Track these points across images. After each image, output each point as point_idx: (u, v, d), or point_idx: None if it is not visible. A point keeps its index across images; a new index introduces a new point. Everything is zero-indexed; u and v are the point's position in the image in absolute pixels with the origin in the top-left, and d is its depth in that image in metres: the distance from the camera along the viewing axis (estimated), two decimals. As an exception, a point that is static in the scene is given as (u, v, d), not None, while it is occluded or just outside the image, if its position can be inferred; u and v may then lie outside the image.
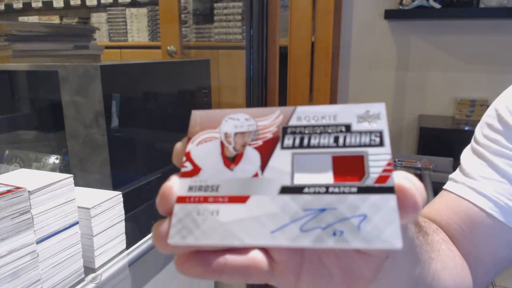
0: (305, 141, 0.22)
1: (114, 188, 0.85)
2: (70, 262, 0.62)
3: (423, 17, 2.03)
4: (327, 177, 0.21)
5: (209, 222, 0.21)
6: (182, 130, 1.11)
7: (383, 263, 0.25)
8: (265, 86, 1.65)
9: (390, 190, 0.20)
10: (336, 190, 0.21)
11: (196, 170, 0.23)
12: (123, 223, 0.72)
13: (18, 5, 3.10)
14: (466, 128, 1.93)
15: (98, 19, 2.89)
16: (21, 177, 0.59)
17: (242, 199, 0.21)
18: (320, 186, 0.21)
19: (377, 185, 0.20)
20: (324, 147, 0.22)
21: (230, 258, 0.21)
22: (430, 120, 2.10)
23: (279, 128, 0.23)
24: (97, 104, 0.82)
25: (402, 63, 2.17)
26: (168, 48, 2.26)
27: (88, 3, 2.86)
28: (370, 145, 0.22)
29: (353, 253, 0.24)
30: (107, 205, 0.68)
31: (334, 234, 0.20)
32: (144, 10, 2.73)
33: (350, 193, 0.21)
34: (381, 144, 0.22)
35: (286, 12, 2.19)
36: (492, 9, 1.89)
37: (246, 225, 0.21)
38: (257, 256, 0.22)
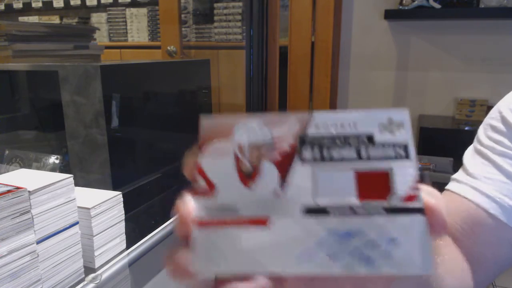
0: (326, 154, 0.21)
1: (114, 188, 0.85)
2: (70, 262, 0.62)
3: (423, 17, 2.03)
4: (351, 196, 0.20)
5: (231, 249, 0.20)
6: (182, 130, 1.11)
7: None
8: (265, 86, 1.64)
9: (419, 210, 0.19)
10: (362, 211, 0.20)
11: (211, 188, 0.22)
12: (123, 223, 0.72)
13: (18, 5, 3.10)
14: (466, 128, 1.93)
15: (98, 19, 2.89)
16: (21, 177, 0.59)
17: (263, 222, 0.21)
18: (345, 207, 0.20)
19: (404, 205, 0.20)
20: (346, 160, 0.21)
21: (240, 285, 0.21)
22: (430, 120, 2.10)
23: (296, 138, 0.22)
24: (97, 104, 0.82)
25: (402, 63, 2.17)
26: (168, 48, 2.26)
27: (88, 3, 2.86)
28: (395, 158, 0.20)
29: None
30: (107, 205, 0.68)
31: (364, 259, 0.19)
32: (144, 10, 2.73)
33: (377, 214, 0.20)
34: (406, 157, 0.20)
35: (286, 12, 2.19)
36: (492, 9, 1.89)
37: (270, 251, 0.20)
38: (263, 282, 0.21)
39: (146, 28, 2.74)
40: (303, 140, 0.22)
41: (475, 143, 0.51)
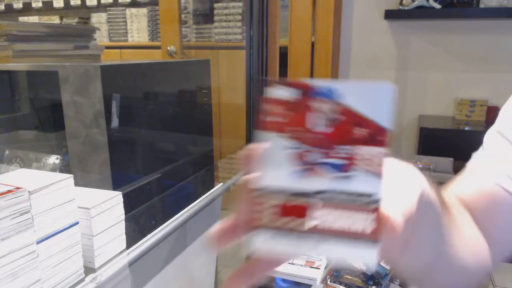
0: None
1: (114, 188, 0.85)
2: (70, 262, 0.62)
3: (423, 17, 2.03)
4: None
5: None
6: (182, 130, 1.10)
7: (410, 238, 0.28)
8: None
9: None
10: None
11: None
12: (123, 223, 0.72)
13: (18, 5, 3.10)
14: (466, 128, 1.93)
15: (98, 19, 2.89)
16: (21, 177, 0.59)
17: None
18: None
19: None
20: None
21: None
22: (430, 120, 2.10)
23: None
24: (97, 104, 0.82)
25: (402, 63, 2.17)
26: (168, 48, 2.26)
27: (88, 3, 2.86)
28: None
29: None
30: (107, 205, 0.67)
31: None
32: (144, 10, 2.73)
33: None
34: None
35: (286, 12, 2.19)
36: (492, 9, 1.89)
37: None
38: None
39: (146, 28, 2.74)
40: None
41: (495, 124, 0.52)
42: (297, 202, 0.23)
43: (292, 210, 0.23)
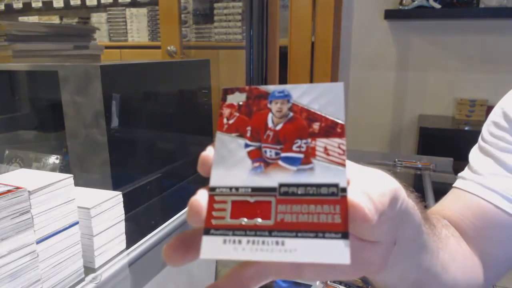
0: None
1: (114, 188, 0.85)
2: (70, 262, 0.62)
3: (423, 17, 2.03)
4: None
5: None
6: (182, 130, 1.10)
7: (391, 249, 0.26)
8: (265, 86, 1.64)
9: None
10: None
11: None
12: (123, 223, 0.72)
13: (18, 5, 3.10)
14: (466, 128, 1.93)
15: (98, 19, 2.89)
16: (21, 177, 0.59)
17: None
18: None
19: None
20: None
21: None
22: (430, 120, 2.10)
23: None
24: (97, 104, 0.82)
25: (402, 63, 2.18)
26: (168, 48, 2.26)
27: (88, 3, 2.86)
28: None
29: (359, 241, 0.24)
30: (107, 205, 0.68)
31: None
32: (144, 10, 2.73)
33: None
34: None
35: (286, 12, 2.19)
36: (492, 9, 1.90)
37: None
38: None
39: (146, 28, 2.74)
40: None
41: (479, 141, 0.52)
42: (259, 198, 0.22)
43: (255, 207, 0.21)
